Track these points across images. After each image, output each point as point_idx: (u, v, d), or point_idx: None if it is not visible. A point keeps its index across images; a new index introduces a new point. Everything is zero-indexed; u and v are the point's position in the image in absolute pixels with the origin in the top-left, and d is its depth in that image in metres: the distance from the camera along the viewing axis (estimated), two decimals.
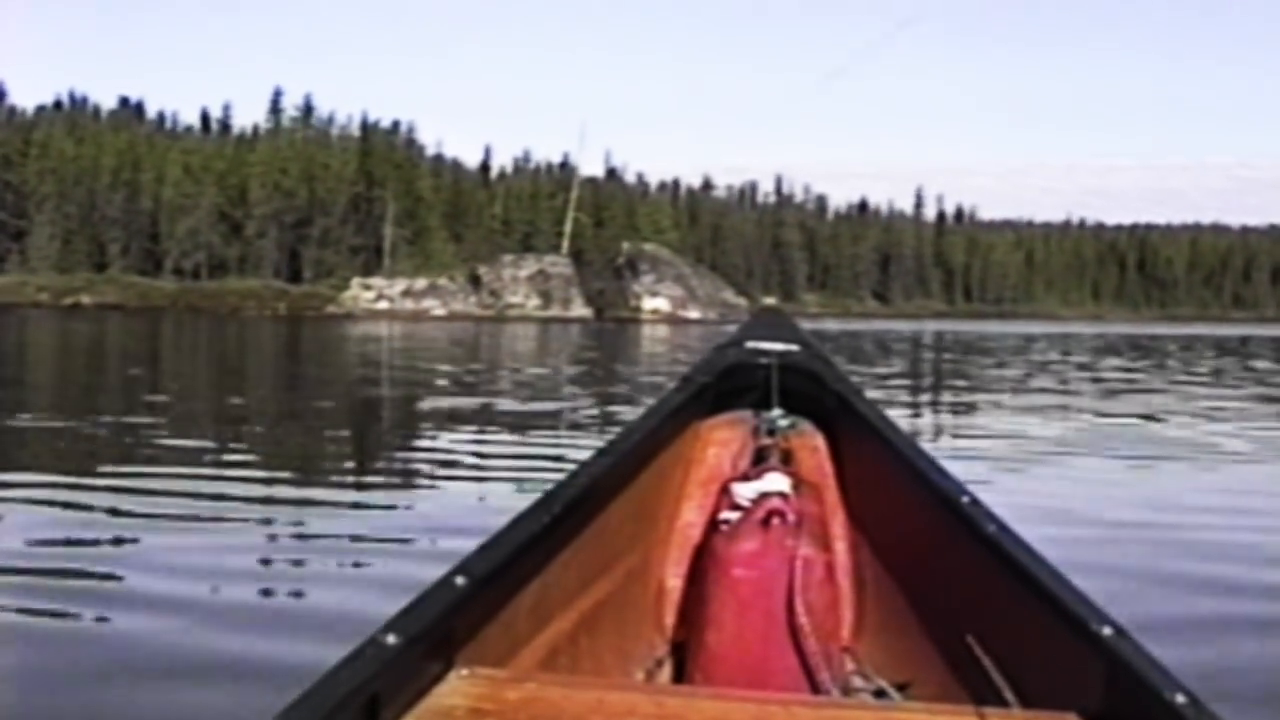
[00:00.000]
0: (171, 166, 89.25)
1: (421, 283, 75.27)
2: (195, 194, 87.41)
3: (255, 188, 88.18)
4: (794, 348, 3.35)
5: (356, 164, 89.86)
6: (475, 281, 76.35)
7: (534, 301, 75.01)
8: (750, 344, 3.36)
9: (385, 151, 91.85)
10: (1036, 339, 49.88)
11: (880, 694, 2.70)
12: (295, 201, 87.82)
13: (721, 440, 3.27)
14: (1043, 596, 2.22)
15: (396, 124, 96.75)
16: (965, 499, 2.58)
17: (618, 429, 3.44)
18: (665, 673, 2.90)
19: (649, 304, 76.19)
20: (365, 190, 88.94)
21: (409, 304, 73.33)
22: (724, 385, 3.29)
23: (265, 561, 5.50)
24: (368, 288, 75.29)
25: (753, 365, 3.30)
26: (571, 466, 2.64)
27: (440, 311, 73.04)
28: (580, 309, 75.69)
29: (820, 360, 3.35)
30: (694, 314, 75.08)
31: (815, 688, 2.59)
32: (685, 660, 2.85)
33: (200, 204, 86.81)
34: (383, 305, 73.42)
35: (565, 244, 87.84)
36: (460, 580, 2.08)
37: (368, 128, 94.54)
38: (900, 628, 2.86)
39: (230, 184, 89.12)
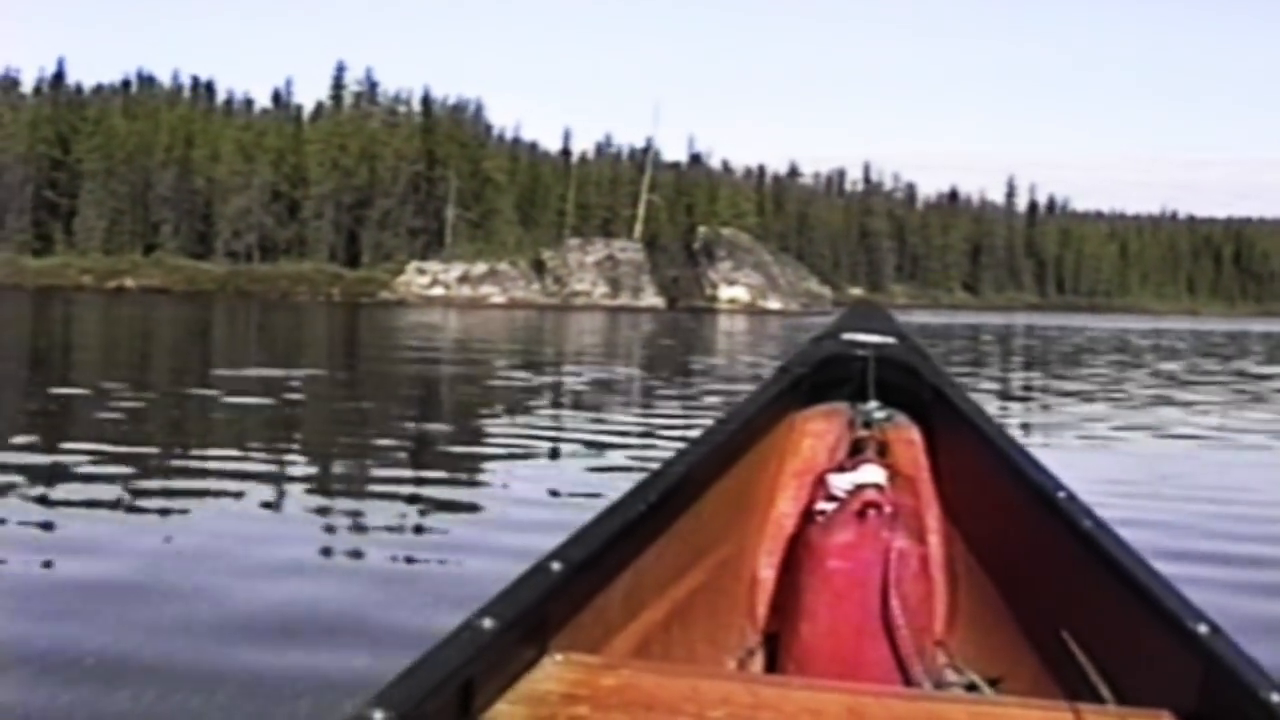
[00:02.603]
0: (225, 143, 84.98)
1: (480, 267, 70.55)
2: (247, 172, 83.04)
3: (313, 166, 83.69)
4: (891, 340, 3.34)
5: (418, 142, 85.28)
6: (539, 267, 71.72)
7: (601, 289, 70.62)
8: (847, 336, 3.36)
9: (450, 129, 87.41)
10: (1157, 334, 47.48)
11: (972, 688, 2.71)
12: (354, 181, 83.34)
13: (817, 431, 3.28)
14: (1138, 592, 2.24)
15: (463, 101, 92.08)
16: (1061, 494, 2.59)
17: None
18: (757, 662, 2.93)
19: (726, 293, 72.59)
20: (427, 170, 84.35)
21: (466, 290, 68.72)
22: (820, 377, 3.30)
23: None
24: (422, 272, 70.51)
25: (849, 357, 3.30)
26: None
27: (499, 299, 68.75)
28: (651, 298, 71.72)
29: (917, 353, 3.34)
30: (774, 304, 71.65)
31: (908, 680, 2.63)
32: (777, 650, 2.89)
33: (252, 183, 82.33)
34: (438, 291, 68.80)
35: (638, 228, 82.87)
36: (556, 566, 2.10)
37: (429, 104, 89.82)
38: (993, 622, 2.86)
39: (288, 163, 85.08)
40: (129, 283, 75.07)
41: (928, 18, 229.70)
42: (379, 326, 37.24)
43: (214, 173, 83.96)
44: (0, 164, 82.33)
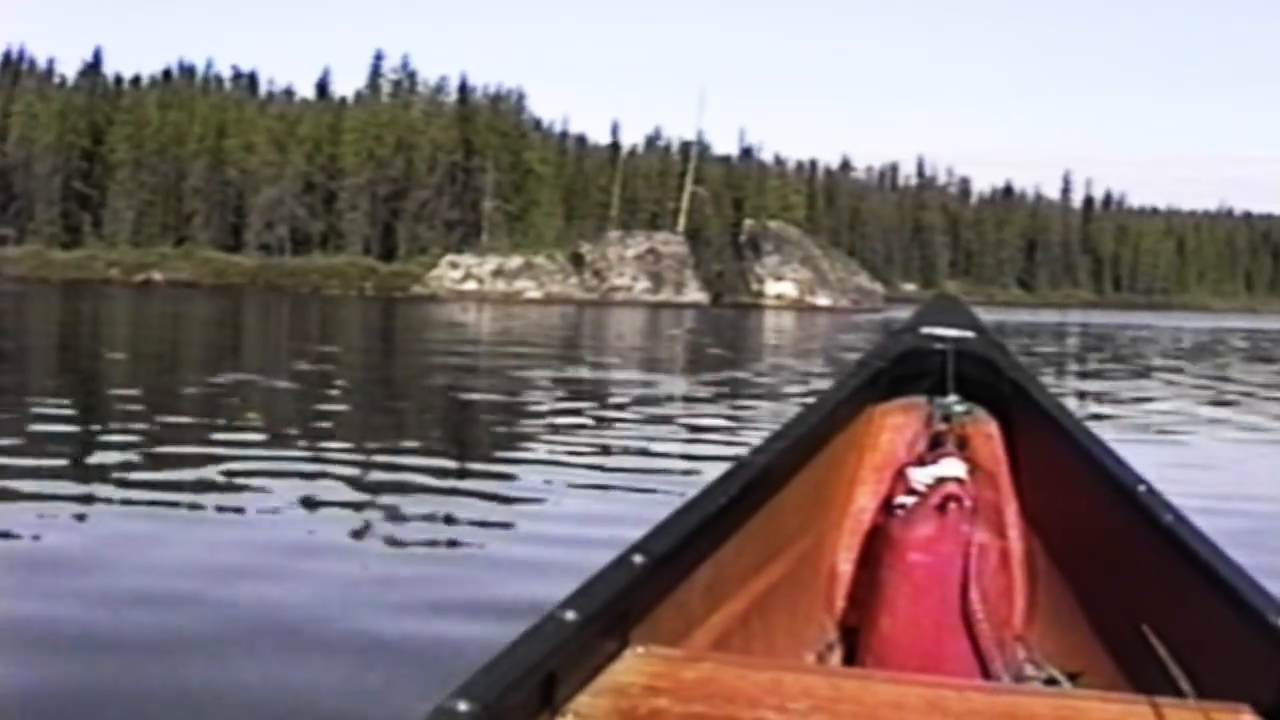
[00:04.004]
0: (257, 133, 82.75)
1: (515, 261, 67.88)
2: (280, 162, 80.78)
3: (348, 156, 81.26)
4: (969, 334, 3.35)
5: (456, 132, 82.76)
6: (577, 261, 68.97)
7: (642, 284, 68.02)
8: (926, 330, 3.36)
9: (490, 119, 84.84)
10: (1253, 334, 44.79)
11: (1052, 682, 2.72)
12: (389, 172, 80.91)
13: (896, 425, 3.28)
14: (1219, 587, 2.26)
15: (504, 90, 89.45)
16: (1142, 488, 2.61)
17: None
18: (836, 656, 2.94)
19: (772, 288, 70.22)
20: (464, 160, 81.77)
21: (500, 285, 66.08)
22: (899, 370, 3.29)
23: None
24: (455, 266, 67.89)
25: (928, 351, 3.30)
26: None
27: (535, 294, 66.06)
28: (695, 293, 69.16)
29: (996, 347, 3.34)
30: (823, 300, 69.27)
31: (987, 674, 2.65)
32: (857, 644, 2.90)
33: (284, 173, 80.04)
34: (470, 286, 66.21)
35: (681, 220, 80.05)
36: (638, 559, 2.12)
37: (465, 92, 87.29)
38: (1073, 616, 2.87)
39: (324, 153, 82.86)
40: (156, 276, 73.44)
41: (984, 11, 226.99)
42: (396, 326, 35.33)
43: (247, 163, 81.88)
44: (29, 154, 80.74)
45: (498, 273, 67.48)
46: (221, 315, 36.73)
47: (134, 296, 52.54)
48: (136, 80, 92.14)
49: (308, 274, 74.12)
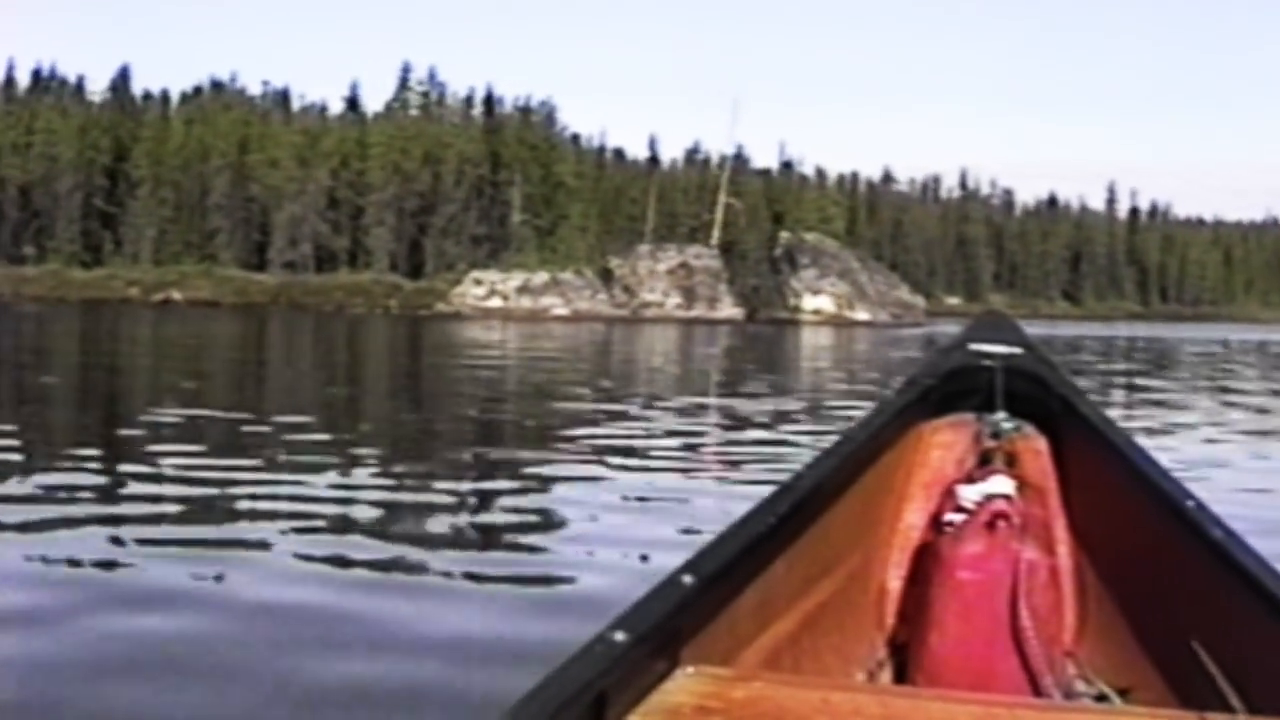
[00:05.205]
0: (280, 149, 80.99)
1: (541, 277, 65.73)
2: (303, 177, 78.96)
3: (374, 170, 79.38)
4: (1018, 350, 3.35)
5: (483, 145, 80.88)
6: (606, 276, 66.75)
7: (674, 300, 66.09)
8: (974, 346, 3.37)
9: (518, 131, 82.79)
10: None
11: (1102, 698, 2.74)
12: (416, 186, 78.98)
13: (945, 443, 3.29)
14: (1269, 602, 2.27)
15: (535, 103, 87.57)
16: (1191, 503, 2.62)
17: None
18: (886, 674, 2.95)
19: (809, 303, 68.28)
20: (491, 173, 79.78)
21: (526, 302, 63.96)
22: (948, 387, 3.30)
23: None
24: (479, 283, 65.79)
25: (977, 368, 3.31)
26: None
27: (562, 310, 63.93)
28: (729, 309, 67.30)
29: (1045, 364, 3.34)
30: (862, 315, 67.54)
31: (1038, 691, 2.66)
32: (906, 662, 2.92)
33: (306, 189, 78.19)
34: (495, 303, 64.09)
35: (715, 233, 77.76)
36: (687, 579, 2.13)
37: (492, 103, 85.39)
38: (1123, 633, 2.88)
39: (351, 168, 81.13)
40: (176, 295, 72.13)
41: (1028, 22, 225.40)
42: (405, 349, 33.74)
43: (271, 179, 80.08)
44: (49, 172, 79.36)
45: (523, 289, 65.50)
46: (239, 340, 34.77)
47: (153, 316, 51.32)
48: (165, 96, 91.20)
49: (331, 292, 72.69)
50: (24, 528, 6.55)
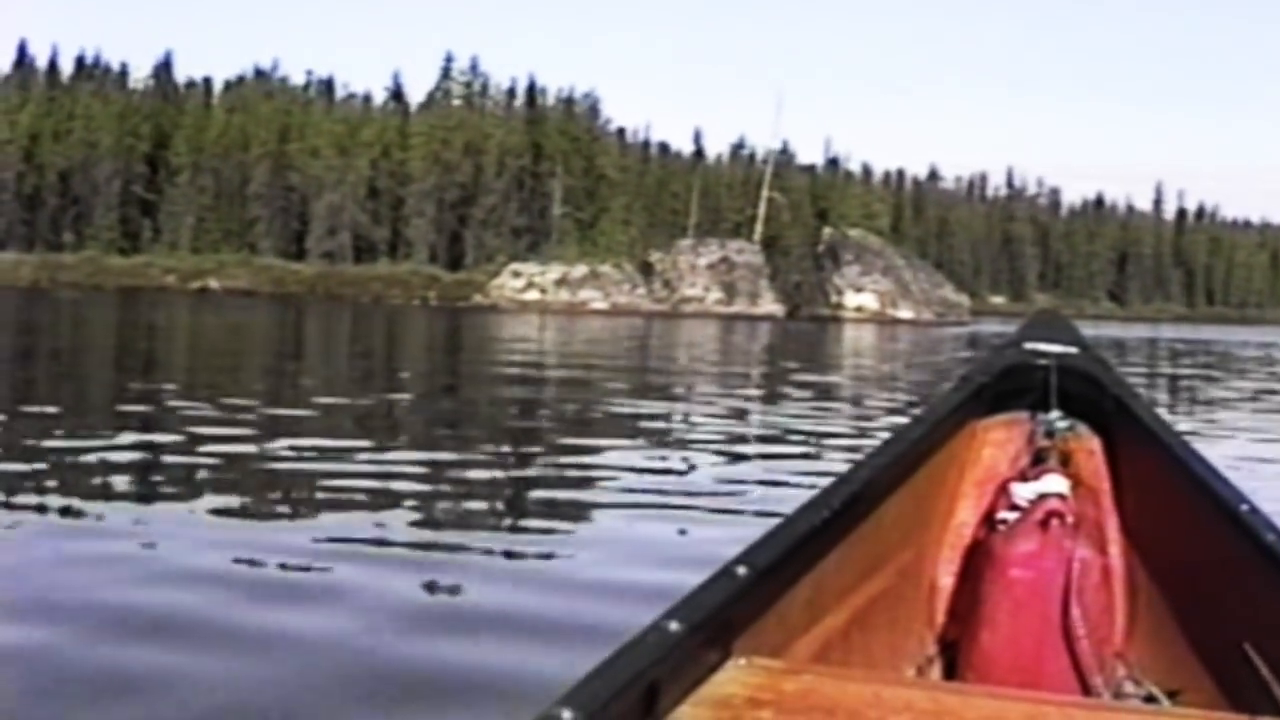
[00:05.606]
0: (321, 138, 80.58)
1: (580, 270, 64.94)
2: (342, 167, 78.48)
3: (415, 161, 78.81)
4: (1072, 350, 3.36)
5: (524, 136, 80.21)
6: (646, 270, 65.94)
7: (715, 295, 65.35)
8: (1028, 345, 3.38)
9: (560, 123, 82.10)
10: None
11: (1151, 699, 2.74)
12: (457, 177, 78.37)
13: (998, 441, 3.30)
14: None
15: (577, 95, 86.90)
16: (1244, 506, 2.62)
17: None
18: (936, 670, 2.96)
19: (852, 300, 67.72)
20: (532, 165, 79.09)
21: (564, 295, 63.25)
22: (1002, 386, 3.31)
23: None
24: (516, 275, 65.11)
25: (1031, 366, 3.32)
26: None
27: (601, 304, 63.22)
28: (770, 305, 66.55)
29: (1099, 363, 3.36)
30: (905, 313, 66.91)
31: (1087, 690, 2.68)
32: (956, 658, 2.92)
33: (346, 178, 77.70)
34: (533, 295, 63.38)
35: (758, 228, 76.91)
36: (741, 570, 2.14)
37: (534, 95, 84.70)
38: (1173, 634, 2.88)
39: (392, 159, 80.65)
40: (213, 284, 71.81)
41: (1077, 20, 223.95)
42: (438, 346, 33.22)
43: (311, 168, 79.61)
44: (88, 158, 79.16)
45: (561, 281, 64.87)
46: (276, 331, 34.21)
47: (190, 305, 50.92)
48: (208, 84, 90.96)
49: (368, 282, 72.20)
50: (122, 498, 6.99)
